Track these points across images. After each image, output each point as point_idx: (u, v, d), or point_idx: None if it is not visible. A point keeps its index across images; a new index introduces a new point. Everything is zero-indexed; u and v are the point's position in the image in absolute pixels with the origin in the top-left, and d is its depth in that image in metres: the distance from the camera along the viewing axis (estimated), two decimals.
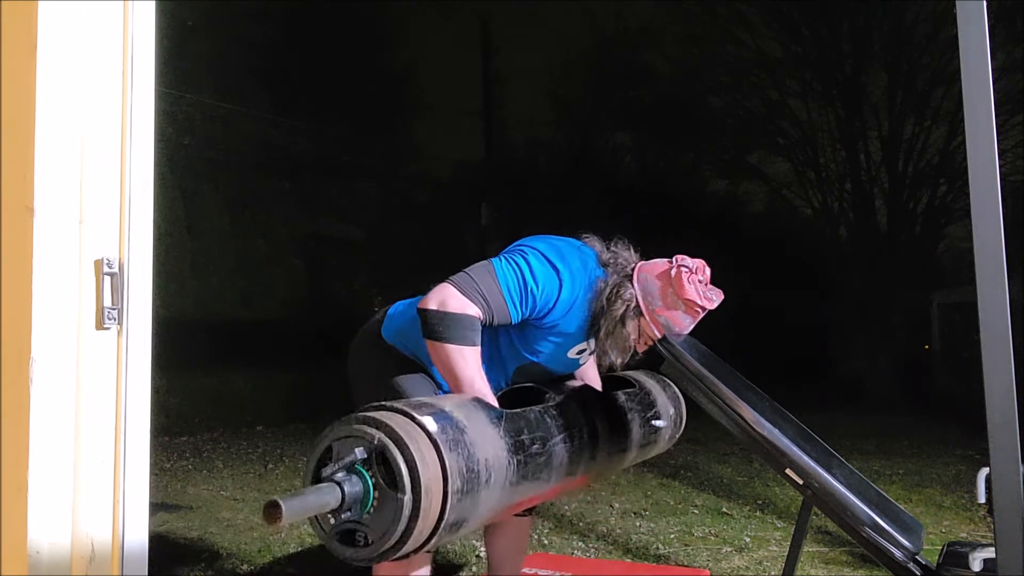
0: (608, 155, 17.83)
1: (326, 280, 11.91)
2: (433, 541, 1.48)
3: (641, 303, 1.92)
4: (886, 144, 14.05)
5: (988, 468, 1.32)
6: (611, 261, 1.97)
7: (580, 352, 2.05)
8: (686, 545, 3.77)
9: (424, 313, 1.81)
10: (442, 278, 1.85)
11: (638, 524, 4.20)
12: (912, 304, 13.44)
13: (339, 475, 1.40)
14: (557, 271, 1.88)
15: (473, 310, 1.79)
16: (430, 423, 1.49)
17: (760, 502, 4.71)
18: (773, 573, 3.30)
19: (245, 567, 3.39)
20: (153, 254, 1.29)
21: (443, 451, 1.46)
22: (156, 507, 4.47)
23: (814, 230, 15.66)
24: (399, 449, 1.41)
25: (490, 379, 1.95)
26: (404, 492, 1.40)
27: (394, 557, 1.45)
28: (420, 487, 1.40)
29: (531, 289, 1.85)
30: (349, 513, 1.42)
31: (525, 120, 16.75)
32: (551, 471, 1.78)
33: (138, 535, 1.25)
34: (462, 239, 13.83)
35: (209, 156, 10.23)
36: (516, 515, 2.23)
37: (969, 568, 1.82)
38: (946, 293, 12.99)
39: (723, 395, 1.97)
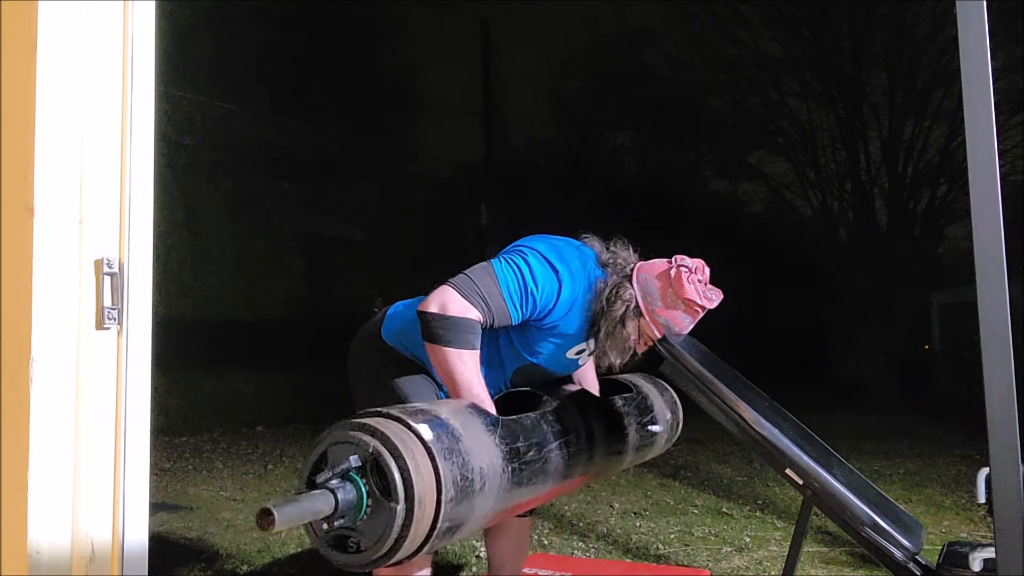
0: (608, 155, 17.85)
1: (326, 280, 11.91)
2: (426, 548, 1.48)
3: (641, 303, 1.92)
4: (886, 144, 14.05)
5: (988, 468, 1.32)
6: (610, 261, 1.97)
7: (579, 353, 2.04)
8: (686, 545, 3.77)
9: (424, 316, 1.80)
10: (442, 279, 1.85)
11: (638, 524, 4.20)
12: (912, 304, 13.45)
13: (333, 482, 1.41)
14: (556, 272, 1.88)
15: (473, 314, 1.79)
16: (426, 431, 1.48)
17: (760, 502, 4.71)
18: (773, 573, 3.30)
19: (245, 567, 3.39)
20: (153, 254, 1.29)
21: (438, 460, 1.46)
22: (156, 507, 4.47)
23: (814, 230, 15.67)
24: (394, 458, 1.41)
25: (489, 380, 1.95)
26: (397, 501, 1.40)
27: (387, 564, 1.46)
28: (413, 497, 1.40)
29: (531, 290, 1.85)
30: (342, 520, 1.42)
31: (525, 120, 16.79)
32: (546, 477, 1.78)
33: (138, 535, 1.25)
34: (462, 239, 13.83)
35: (209, 156, 10.23)
36: (516, 516, 2.23)
37: (969, 568, 1.82)
38: (946, 293, 12.99)
39: (723, 395, 1.97)
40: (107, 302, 1.22)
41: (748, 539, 3.85)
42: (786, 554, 2.14)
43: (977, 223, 1.27)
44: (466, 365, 1.79)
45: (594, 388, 2.30)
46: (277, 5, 11.45)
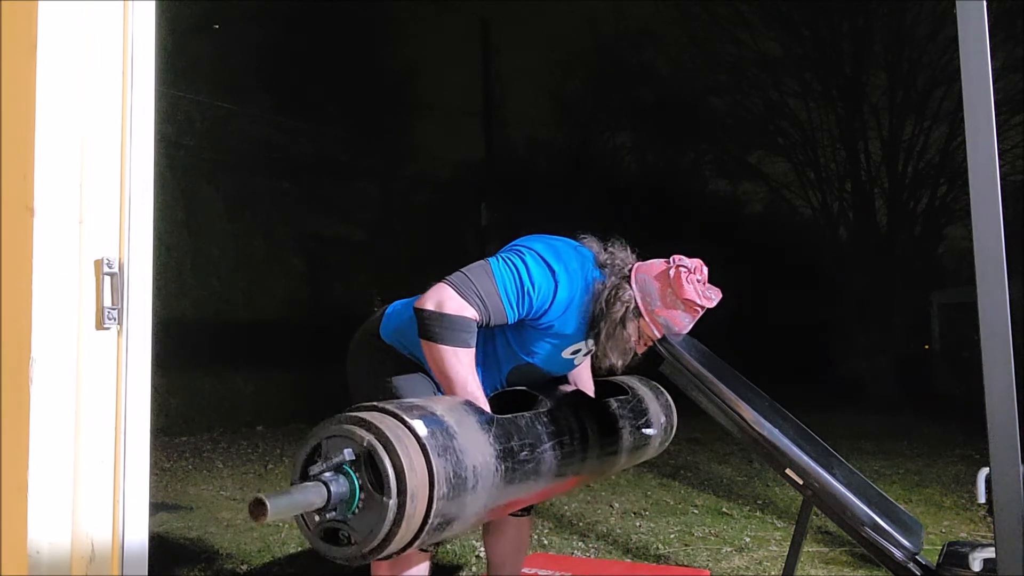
0: (608, 155, 17.84)
1: (326, 280, 11.91)
2: (417, 543, 1.49)
3: (640, 304, 1.92)
4: (886, 144, 14.05)
5: (988, 468, 1.32)
6: (608, 262, 1.97)
7: (575, 353, 2.05)
8: (686, 545, 3.77)
9: (420, 313, 1.81)
10: (441, 278, 1.85)
11: (638, 524, 4.20)
12: (912, 304, 13.45)
13: (326, 475, 1.41)
14: (553, 272, 1.88)
15: (470, 312, 1.79)
16: (420, 427, 1.49)
17: (760, 502, 4.71)
18: (773, 573, 3.30)
19: (245, 567, 3.39)
20: (153, 254, 1.29)
21: (431, 456, 1.46)
22: (156, 507, 4.47)
23: (814, 230, 15.67)
24: (387, 453, 1.41)
25: (485, 379, 1.95)
26: (390, 496, 1.40)
27: (377, 558, 1.46)
28: (406, 492, 1.40)
29: (527, 290, 1.85)
30: (334, 513, 1.42)
31: (525, 120, 16.77)
32: (539, 477, 1.78)
33: (138, 535, 1.25)
34: (462, 239, 13.82)
35: (209, 156, 10.23)
36: (515, 515, 2.23)
37: (969, 568, 1.82)
38: (946, 293, 12.99)
39: (723, 395, 1.97)
40: (107, 302, 1.22)
41: (748, 539, 3.85)
42: (786, 554, 2.14)
43: (977, 223, 1.27)
44: (461, 363, 1.80)
45: (589, 389, 2.30)
46: (277, 5, 11.45)
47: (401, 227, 13.27)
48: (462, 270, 1.86)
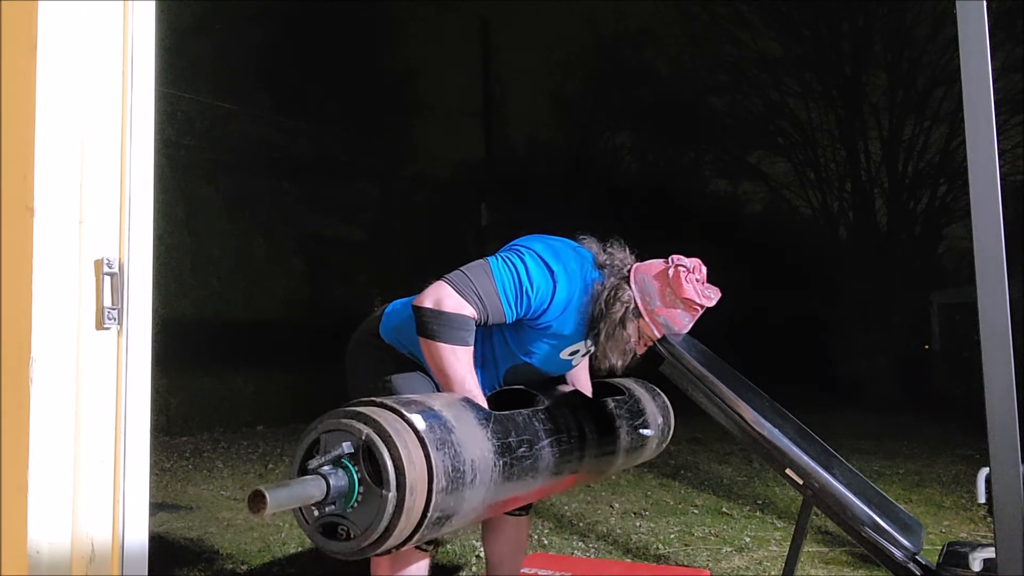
0: (608, 155, 17.84)
1: (326, 280, 11.92)
2: (415, 538, 1.49)
3: (640, 304, 1.92)
4: (886, 144, 14.06)
5: (988, 468, 1.32)
6: (607, 263, 1.97)
7: (573, 354, 2.05)
8: (686, 545, 3.77)
9: (419, 311, 1.81)
10: (440, 278, 1.85)
11: (638, 524, 4.20)
12: (912, 304, 13.45)
13: (325, 468, 1.41)
14: (552, 272, 1.88)
15: (468, 310, 1.79)
16: (419, 421, 1.49)
17: (760, 502, 4.71)
18: (773, 573, 3.30)
19: (245, 567, 3.39)
20: (153, 254, 1.29)
21: (430, 450, 1.46)
22: (156, 507, 4.47)
23: (814, 230, 15.68)
24: (386, 446, 1.42)
25: (483, 378, 1.95)
26: (389, 489, 1.40)
27: (376, 552, 1.46)
28: (405, 485, 1.40)
29: (526, 289, 1.85)
30: (333, 506, 1.43)
31: (525, 120, 16.78)
32: (536, 474, 1.79)
33: (138, 535, 1.25)
34: (462, 239, 13.82)
35: (209, 156, 10.23)
36: (513, 514, 2.23)
37: (969, 568, 1.82)
38: (946, 293, 12.99)
39: (723, 395, 1.97)
40: (107, 302, 1.23)
41: (748, 539, 3.85)
42: (786, 554, 2.14)
43: (977, 223, 1.27)
44: (459, 361, 1.80)
45: (587, 389, 2.30)
46: (277, 5, 11.45)
47: (401, 227, 13.27)
48: (461, 269, 1.86)
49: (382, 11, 13.32)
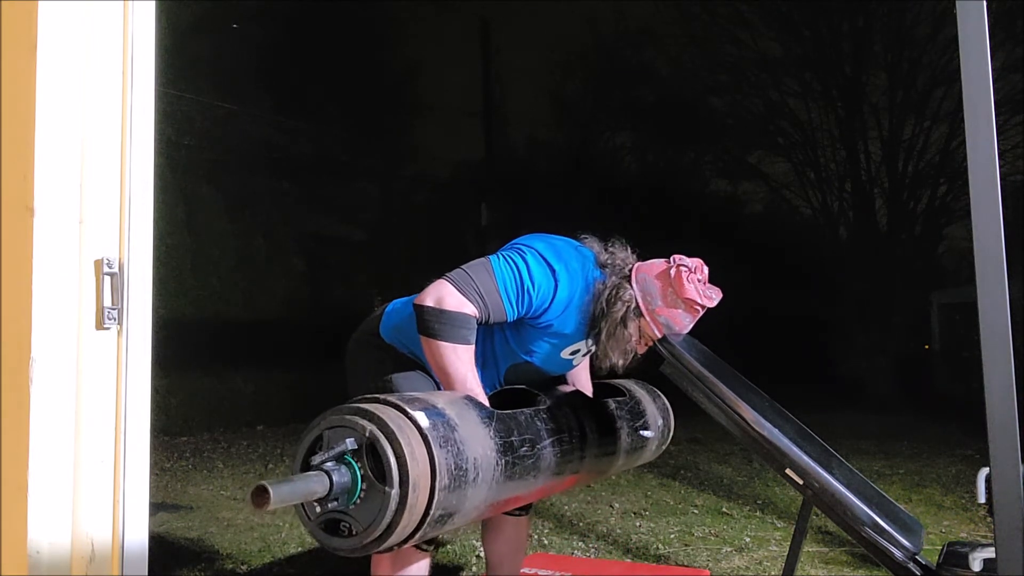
0: (608, 155, 17.85)
1: (326, 280, 11.92)
2: (417, 536, 1.49)
3: (641, 303, 1.92)
4: (886, 144, 14.05)
5: (988, 468, 1.32)
6: (609, 262, 1.97)
7: (574, 353, 2.05)
8: (686, 545, 3.77)
9: (420, 309, 1.81)
10: (441, 276, 1.85)
11: (638, 524, 4.20)
12: (912, 304, 13.45)
13: (328, 464, 1.41)
14: (554, 271, 1.88)
15: (469, 308, 1.79)
16: (422, 418, 1.49)
17: (760, 502, 4.71)
18: (773, 573, 3.30)
19: (245, 567, 3.39)
20: (153, 254, 1.29)
21: (433, 447, 1.46)
22: (156, 507, 4.47)
23: (814, 230, 15.67)
24: (390, 443, 1.42)
25: (483, 377, 1.95)
26: (392, 486, 1.40)
27: (378, 549, 1.46)
28: (408, 482, 1.40)
29: (527, 288, 1.85)
30: (336, 503, 1.42)
31: (525, 120, 16.79)
32: (538, 473, 1.79)
33: (138, 535, 1.25)
34: (462, 239, 13.83)
35: (209, 156, 10.23)
36: (513, 514, 2.23)
37: (969, 568, 1.82)
38: (946, 293, 12.99)
39: (723, 395, 1.97)
40: (107, 302, 1.22)
41: (748, 539, 3.85)
42: (786, 554, 2.14)
43: (977, 223, 1.27)
44: (460, 359, 1.80)
45: (587, 389, 2.30)
46: (277, 5, 11.45)
47: (401, 227, 13.27)
48: (462, 267, 1.86)
49: (382, 11, 13.33)
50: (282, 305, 10.82)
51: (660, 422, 2.47)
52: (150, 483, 1.28)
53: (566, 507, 4.52)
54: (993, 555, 1.31)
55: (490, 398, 1.87)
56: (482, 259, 1.90)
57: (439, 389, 1.93)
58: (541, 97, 17.63)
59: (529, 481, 1.77)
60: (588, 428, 2.03)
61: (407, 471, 1.40)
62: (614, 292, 1.91)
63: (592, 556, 3.59)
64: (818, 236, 15.44)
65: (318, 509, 1.44)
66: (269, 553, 3.56)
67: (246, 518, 4.25)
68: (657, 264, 1.98)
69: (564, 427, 1.91)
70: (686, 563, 3.45)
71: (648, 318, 1.94)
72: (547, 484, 1.89)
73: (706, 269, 1.97)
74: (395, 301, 2.10)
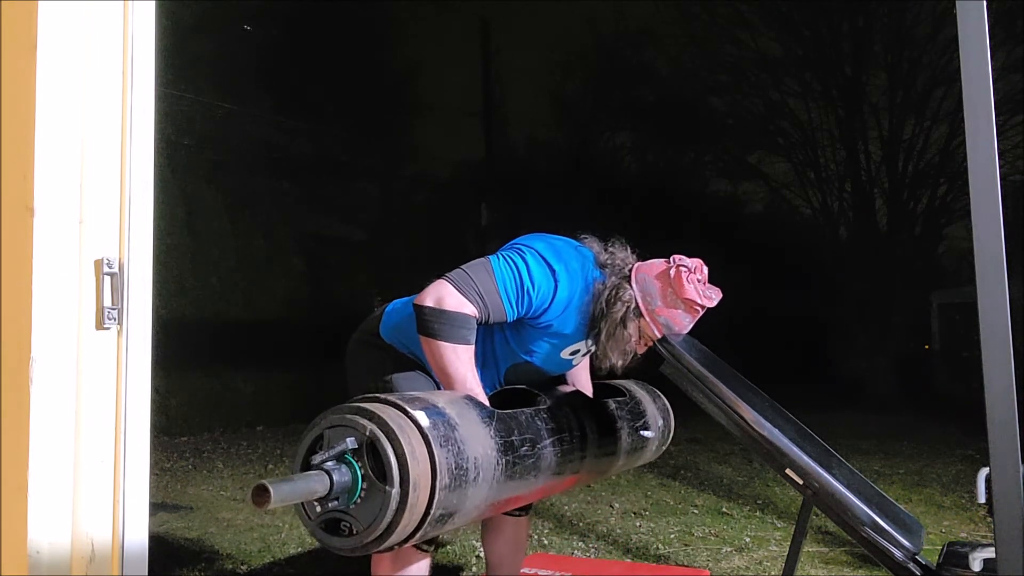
0: (608, 155, 17.84)
1: (326, 280, 11.91)
2: (418, 535, 1.49)
3: (640, 304, 1.93)
4: (886, 144, 14.05)
5: (988, 468, 1.32)
6: (609, 262, 1.97)
7: (574, 353, 2.05)
8: (686, 545, 3.77)
9: (420, 309, 1.81)
10: (441, 276, 1.85)
11: (638, 524, 4.20)
12: (912, 304, 13.44)
13: (329, 463, 1.41)
14: (554, 271, 1.88)
15: (469, 309, 1.80)
16: (422, 418, 1.49)
17: (760, 502, 4.71)
18: (773, 573, 3.30)
19: (245, 567, 3.39)
20: (153, 254, 1.29)
21: (433, 447, 1.46)
22: (156, 507, 4.47)
23: (814, 230, 15.67)
24: (390, 442, 1.42)
25: (483, 377, 1.95)
26: (392, 485, 1.40)
27: (378, 549, 1.46)
28: (409, 481, 1.40)
29: (527, 288, 1.85)
30: (336, 502, 1.43)
31: (525, 120, 16.79)
32: (538, 473, 1.79)
33: (138, 535, 1.25)
34: (462, 239, 13.83)
35: (209, 156, 10.23)
36: (513, 515, 2.23)
37: (969, 568, 1.82)
38: (946, 293, 12.99)
39: (723, 395, 1.97)
40: (107, 302, 1.22)
41: (748, 539, 3.85)
42: (786, 554, 2.14)
43: (977, 223, 1.27)
44: (460, 359, 1.80)
45: (587, 389, 2.30)
46: (277, 5, 11.45)
47: (401, 227, 13.27)
48: (462, 267, 1.86)
49: (382, 11, 13.33)
50: (282, 305, 10.81)
51: (660, 422, 2.47)
52: (150, 483, 1.28)
53: (566, 507, 4.52)
54: (993, 555, 1.31)
55: (490, 398, 1.87)
56: (482, 259, 1.90)
57: (439, 389, 1.93)
58: (541, 97, 17.66)
59: (529, 481, 1.77)
60: (588, 428, 2.03)
61: (407, 470, 1.40)
62: (614, 292, 1.91)
63: (592, 556, 3.59)
64: (818, 236, 15.43)
65: (318, 508, 1.44)
66: (269, 553, 3.56)
67: (246, 518, 4.25)
68: (657, 264, 1.98)
69: (564, 427, 1.91)
70: (686, 563, 3.45)
71: (648, 318, 1.94)
72: (547, 484, 1.89)
73: (706, 269, 1.97)
74: (395, 301, 2.10)
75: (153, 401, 1.30)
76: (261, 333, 9.77)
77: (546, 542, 3.77)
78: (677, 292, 1.92)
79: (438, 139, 14.94)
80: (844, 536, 2.52)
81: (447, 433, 1.52)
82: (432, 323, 1.79)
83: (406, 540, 1.48)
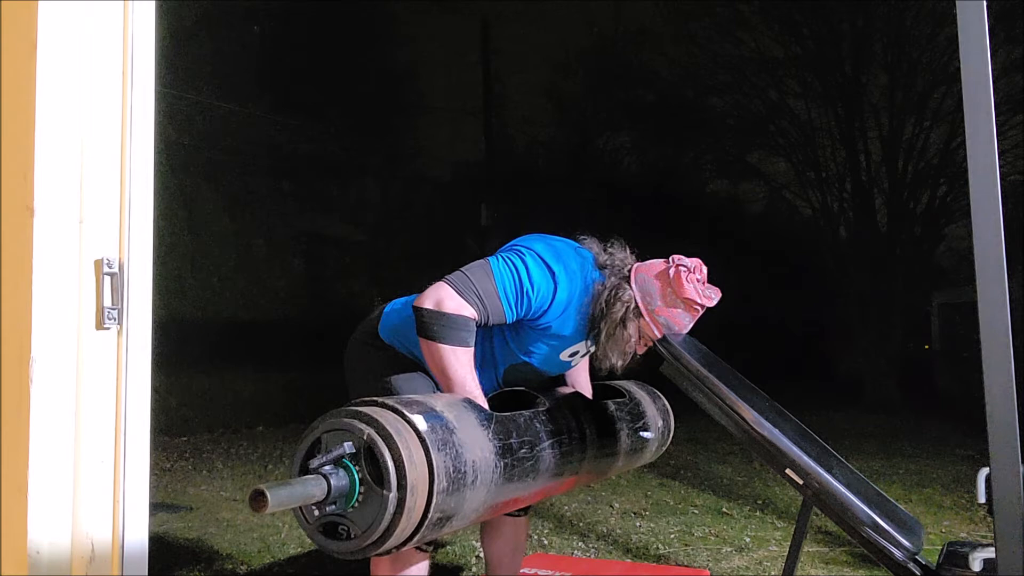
0: (608, 155, 17.84)
1: (326, 280, 11.91)
2: (416, 539, 1.49)
3: (640, 304, 1.93)
4: (886, 144, 14.04)
5: (988, 468, 1.32)
6: (608, 263, 1.97)
7: (573, 354, 2.05)
8: (686, 545, 3.77)
9: (419, 312, 1.81)
10: (441, 278, 1.85)
11: (638, 524, 4.20)
12: (912, 304, 13.43)
13: (326, 468, 1.41)
14: (553, 273, 1.88)
15: (468, 311, 1.80)
16: (420, 422, 1.49)
17: (760, 502, 4.71)
18: (773, 573, 3.30)
19: (245, 567, 3.39)
20: (153, 254, 1.29)
21: (431, 450, 1.46)
22: (156, 507, 4.47)
23: (814, 230, 15.66)
24: (387, 446, 1.42)
25: (482, 378, 1.95)
26: (390, 489, 1.40)
27: (376, 552, 1.46)
28: (406, 485, 1.40)
29: (527, 290, 1.85)
30: (334, 506, 1.43)
31: (525, 120, 16.78)
32: (537, 475, 1.79)
33: (138, 535, 1.25)
34: (462, 239, 13.83)
35: (209, 156, 10.23)
36: (513, 515, 2.23)
37: (969, 568, 1.82)
38: (946, 293, 12.99)
39: (723, 395, 1.97)
40: (107, 302, 1.22)
41: (748, 539, 3.85)
42: (786, 554, 2.14)
43: (977, 223, 1.27)
44: (460, 362, 1.80)
45: (586, 390, 2.30)
46: (277, 5, 11.45)
47: (401, 227, 13.27)
48: (461, 269, 1.86)
49: (382, 11, 13.32)
50: (282, 305, 10.82)
51: (660, 423, 2.47)
52: (150, 483, 1.28)
53: (566, 507, 4.52)
54: (993, 555, 1.31)
55: (489, 400, 1.87)
56: (481, 261, 1.90)
57: (438, 390, 1.93)
58: (541, 97, 17.62)
59: (528, 483, 1.76)
60: (588, 430, 2.03)
61: (405, 475, 1.40)
62: (613, 293, 1.91)
63: (592, 556, 3.59)
64: (818, 236, 15.42)
65: (316, 512, 1.44)
66: (269, 554, 3.56)
67: (246, 519, 4.25)
68: (656, 264, 1.98)
69: (563, 429, 1.91)
70: (686, 563, 3.45)
71: (647, 318, 1.94)
72: (546, 486, 1.89)
73: (705, 269, 1.97)
74: (393, 301, 2.09)
75: (153, 401, 1.30)
76: (261, 333, 9.78)
77: (546, 542, 3.77)
78: (676, 292, 1.92)
79: (438, 139, 14.95)
80: (844, 536, 2.52)
81: (445, 437, 1.51)
82: (431, 325, 1.79)
83: (404, 543, 1.48)
